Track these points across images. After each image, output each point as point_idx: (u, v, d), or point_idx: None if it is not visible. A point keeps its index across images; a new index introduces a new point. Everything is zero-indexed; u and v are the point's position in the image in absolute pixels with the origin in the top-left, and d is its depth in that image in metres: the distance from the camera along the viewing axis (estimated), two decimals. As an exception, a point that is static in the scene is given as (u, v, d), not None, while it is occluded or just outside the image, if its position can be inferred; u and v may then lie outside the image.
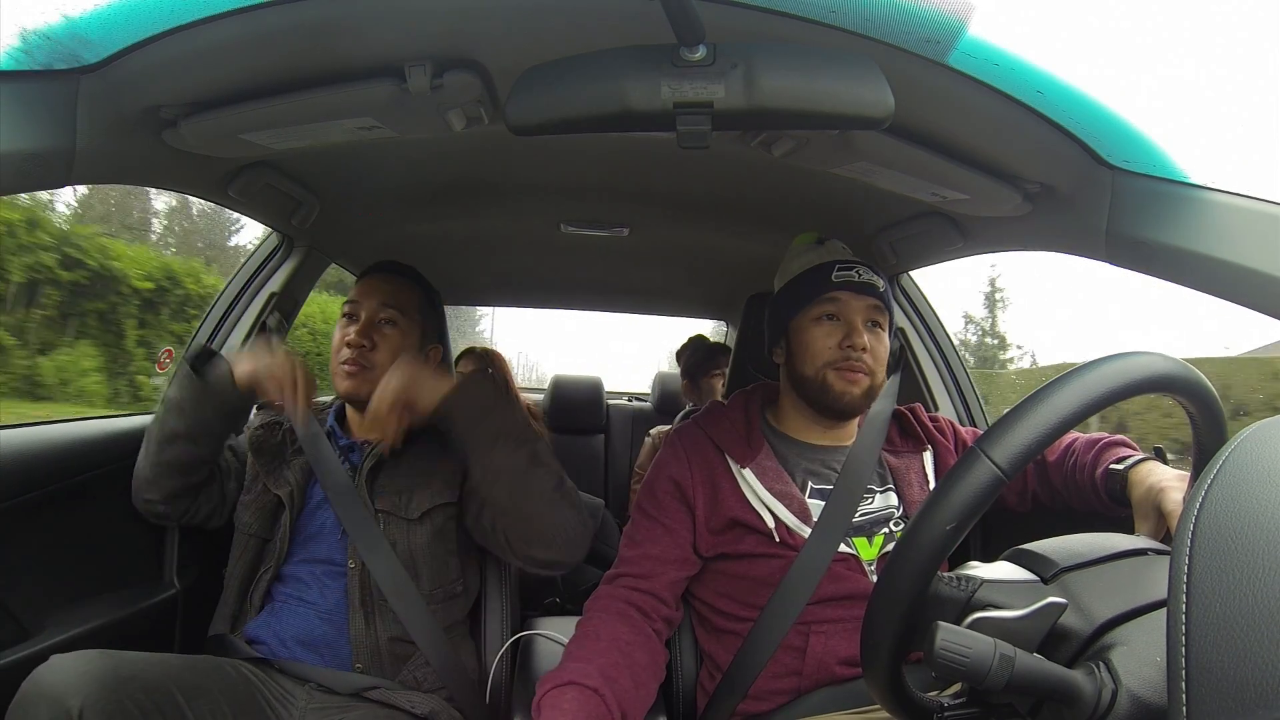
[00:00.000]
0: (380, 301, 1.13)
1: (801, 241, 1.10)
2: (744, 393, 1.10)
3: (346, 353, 1.11)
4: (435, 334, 1.24)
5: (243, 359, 1.05)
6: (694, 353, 2.21)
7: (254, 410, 1.20)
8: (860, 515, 0.95)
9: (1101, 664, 0.45)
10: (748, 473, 0.96)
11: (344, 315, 1.15)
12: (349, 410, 1.18)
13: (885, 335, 1.00)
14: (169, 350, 1.51)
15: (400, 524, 1.06)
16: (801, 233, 1.11)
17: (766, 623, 0.90)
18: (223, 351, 1.33)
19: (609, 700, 0.79)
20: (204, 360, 1.06)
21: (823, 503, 0.95)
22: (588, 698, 0.78)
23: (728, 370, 2.09)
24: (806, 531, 0.92)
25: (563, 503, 0.99)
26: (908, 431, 1.06)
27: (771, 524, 0.93)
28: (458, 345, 2.27)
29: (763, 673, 0.90)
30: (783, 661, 0.91)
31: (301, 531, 1.07)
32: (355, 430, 1.16)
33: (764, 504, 0.94)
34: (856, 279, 0.98)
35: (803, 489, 0.97)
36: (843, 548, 0.92)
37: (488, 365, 2.09)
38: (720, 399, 2.08)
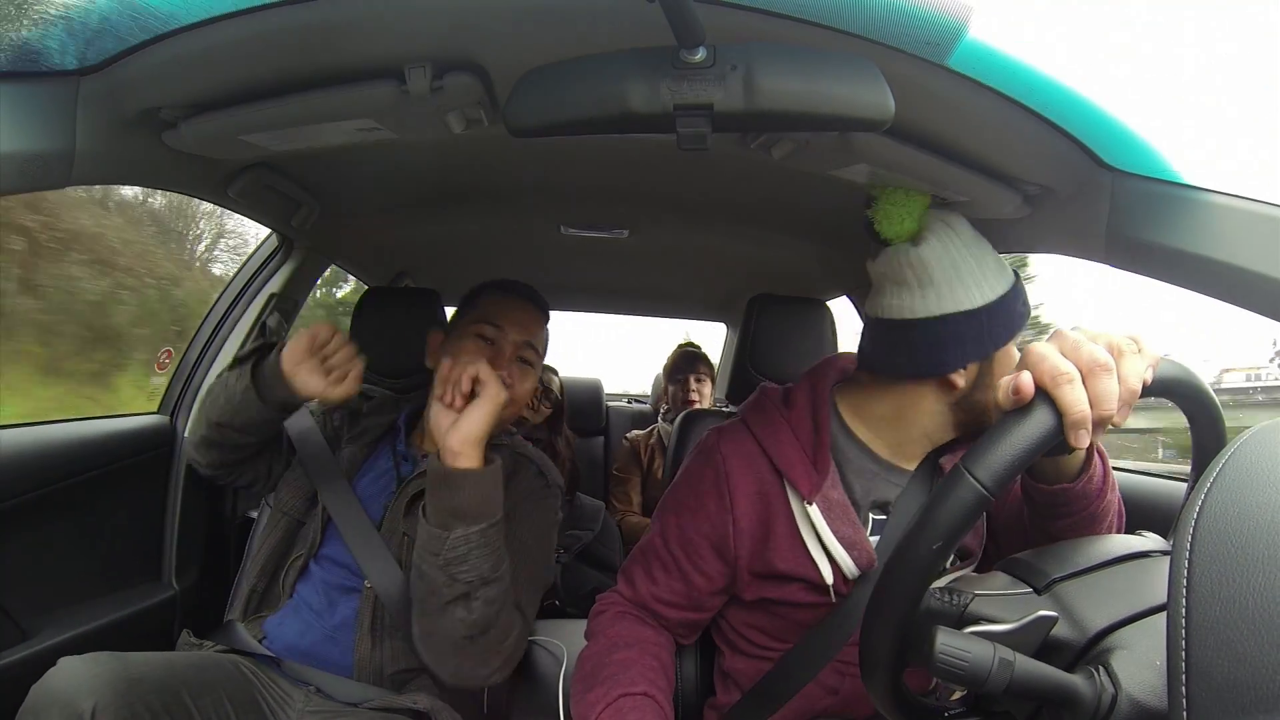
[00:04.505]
0: (524, 339, 1.05)
1: (925, 202, 0.86)
2: (812, 377, 0.91)
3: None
4: None
5: (294, 350, 0.93)
6: (673, 357, 2.30)
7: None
8: None
9: (1101, 668, 0.45)
10: (814, 510, 0.80)
11: (478, 336, 1.04)
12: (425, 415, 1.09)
13: None
14: (168, 350, 1.51)
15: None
16: (800, 236, 1.08)
17: (798, 660, 0.83)
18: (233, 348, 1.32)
19: (661, 702, 0.77)
20: (262, 355, 0.98)
21: (878, 538, 0.83)
22: (647, 705, 0.76)
23: (701, 380, 2.15)
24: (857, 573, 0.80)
25: (468, 650, 0.86)
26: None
27: (830, 579, 0.79)
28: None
29: (792, 702, 0.84)
30: (813, 696, 0.83)
31: (336, 526, 1.03)
32: (423, 443, 1.09)
33: (826, 551, 0.80)
34: None
35: (866, 523, 0.83)
36: None
37: (552, 391, 2.10)
38: (683, 405, 2.10)
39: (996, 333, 0.81)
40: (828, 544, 0.79)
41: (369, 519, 1.01)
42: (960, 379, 0.82)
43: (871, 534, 0.82)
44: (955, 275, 0.81)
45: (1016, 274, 0.84)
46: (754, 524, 0.82)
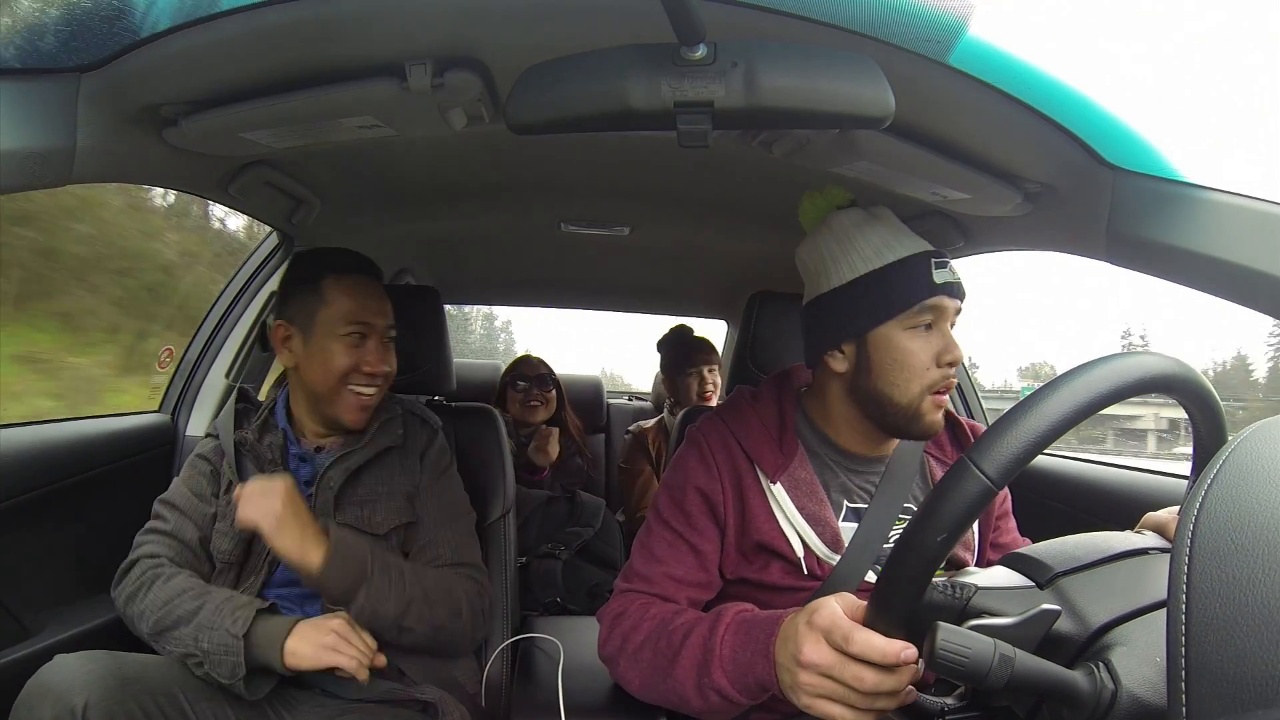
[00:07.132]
0: (388, 323, 1.07)
1: (834, 201, 0.89)
2: (777, 380, 0.95)
3: (367, 381, 1.03)
4: None
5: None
6: (670, 347, 2.11)
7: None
8: (893, 540, 0.85)
9: (1101, 664, 0.45)
10: (778, 489, 0.84)
11: (348, 334, 1.02)
12: (297, 410, 1.08)
13: None
14: (169, 349, 1.50)
15: (365, 538, 0.98)
16: (801, 232, 1.08)
17: None
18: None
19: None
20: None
21: (855, 525, 0.85)
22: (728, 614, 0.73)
23: (713, 370, 2.04)
24: (835, 559, 0.83)
25: (450, 630, 0.98)
26: (962, 442, 0.94)
27: (801, 553, 0.82)
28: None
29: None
30: None
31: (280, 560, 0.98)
32: (309, 436, 1.08)
33: (794, 527, 0.83)
34: (954, 278, 0.80)
35: (837, 509, 0.86)
36: (871, 576, 0.82)
37: (546, 383, 2.07)
38: (700, 400, 1.96)
39: (861, 314, 0.81)
40: (792, 519, 0.83)
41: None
42: (838, 364, 0.85)
43: (845, 520, 0.85)
44: (820, 264, 0.86)
45: (909, 258, 0.80)
46: (734, 497, 0.85)
